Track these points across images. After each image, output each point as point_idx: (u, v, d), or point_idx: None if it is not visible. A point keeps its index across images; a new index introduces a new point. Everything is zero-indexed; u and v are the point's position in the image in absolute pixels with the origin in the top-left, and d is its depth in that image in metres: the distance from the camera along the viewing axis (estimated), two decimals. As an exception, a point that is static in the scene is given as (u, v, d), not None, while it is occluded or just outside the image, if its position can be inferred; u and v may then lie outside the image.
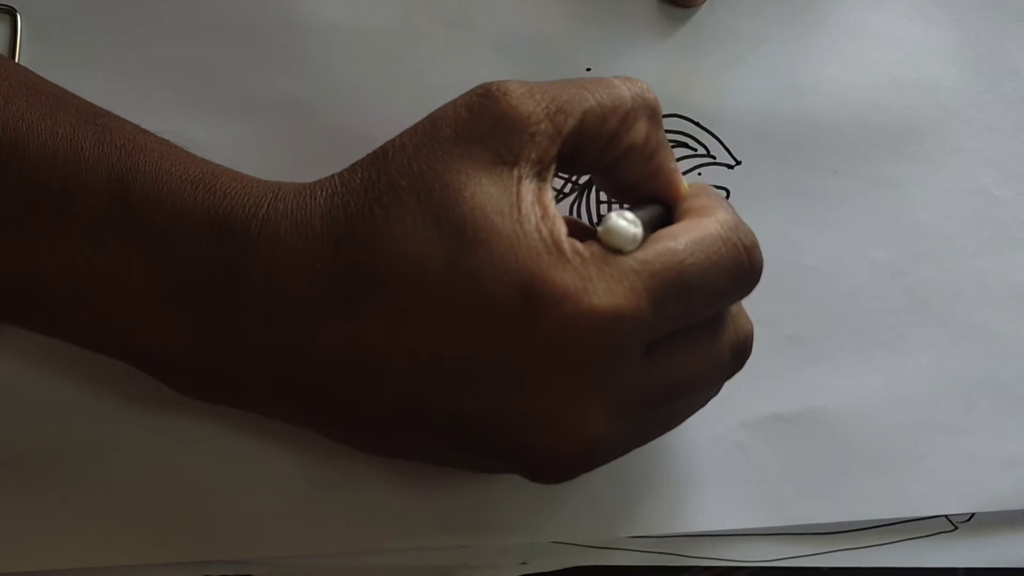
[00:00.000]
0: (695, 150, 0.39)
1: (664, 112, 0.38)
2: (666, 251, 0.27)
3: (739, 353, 0.31)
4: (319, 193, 0.29)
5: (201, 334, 0.28)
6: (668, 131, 0.39)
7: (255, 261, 0.28)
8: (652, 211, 0.31)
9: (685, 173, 0.38)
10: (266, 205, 0.29)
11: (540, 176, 0.28)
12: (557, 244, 0.27)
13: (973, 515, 0.37)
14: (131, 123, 0.31)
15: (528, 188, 0.28)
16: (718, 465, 0.36)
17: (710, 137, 0.39)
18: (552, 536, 0.35)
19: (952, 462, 0.37)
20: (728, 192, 0.38)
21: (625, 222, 0.27)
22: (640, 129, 0.30)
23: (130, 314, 0.29)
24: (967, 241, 0.39)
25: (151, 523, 0.34)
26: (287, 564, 0.35)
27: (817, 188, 0.39)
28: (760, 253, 0.29)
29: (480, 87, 0.29)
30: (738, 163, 0.39)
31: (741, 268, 0.29)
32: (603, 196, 0.38)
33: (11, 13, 0.37)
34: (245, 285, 0.28)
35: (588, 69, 0.39)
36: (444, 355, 0.27)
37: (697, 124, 0.39)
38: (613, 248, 0.27)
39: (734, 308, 0.30)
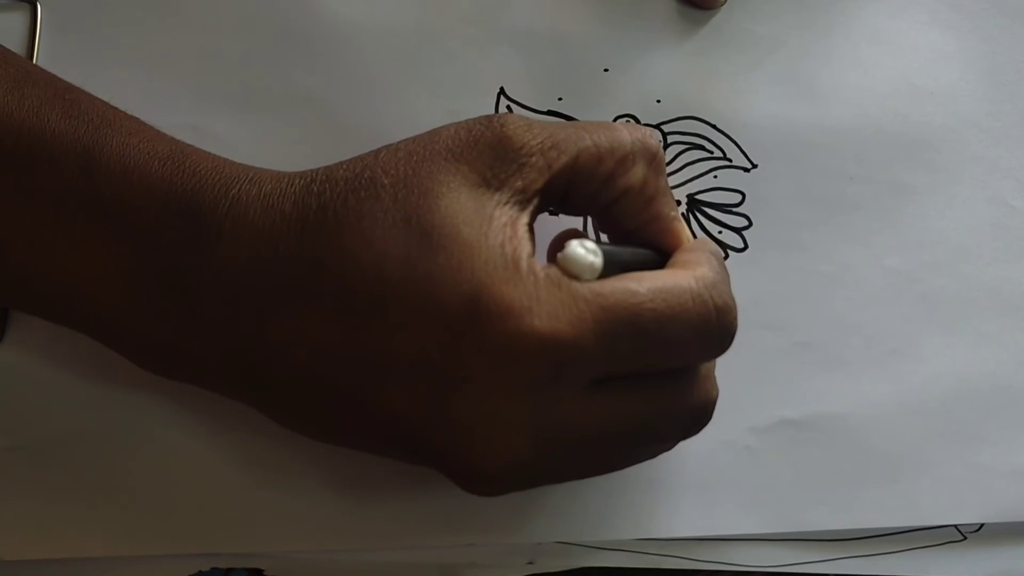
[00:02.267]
0: (711, 152, 0.39)
1: (681, 114, 0.39)
2: (624, 289, 0.27)
3: (697, 415, 0.30)
4: (297, 181, 0.29)
5: (163, 311, 0.28)
6: (684, 133, 0.39)
7: (220, 240, 0.28)
8: (636, 253, 0.31)
9: (701, 175, 0.38)
10: (237, 187, 0.29)
11: (521, 205, 0.28)
12: (515, 262, 0.27)
13: (982, 525, 0.37)
14: (101, 100, 0.31)
15: (504, 212, 0.28)
16: (727, 469, 0.36)
17: (726, 140, 0.39)
18: (559, 536, 0.35)
19: (962, 471, 0.37)
20: (743, 195, 0.38)
21: (584, 250, 0.27)
22: (637, 173, 0.30)
23: (91, 287, 0.28)
24: (983, 250, 0.39)
25: (162, 513, 0.34)
26: (296, 558, 0.35)
27: (833, 194, 0.39)
28: (734, 317, 0.29)
29: (485, 116, 0.29)
30: (754, 166, 0.39)
31: (707, 325, 0.28)
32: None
33: (32, 4, 0.37)
34: (208, 263, 0.28)
35: (606, 70, 0.39)
36: (388, 352, 0.27)
37: (714, 127, 0.39)
38: (571, 275, 0.27)
39: (703, 370, 0.30)
